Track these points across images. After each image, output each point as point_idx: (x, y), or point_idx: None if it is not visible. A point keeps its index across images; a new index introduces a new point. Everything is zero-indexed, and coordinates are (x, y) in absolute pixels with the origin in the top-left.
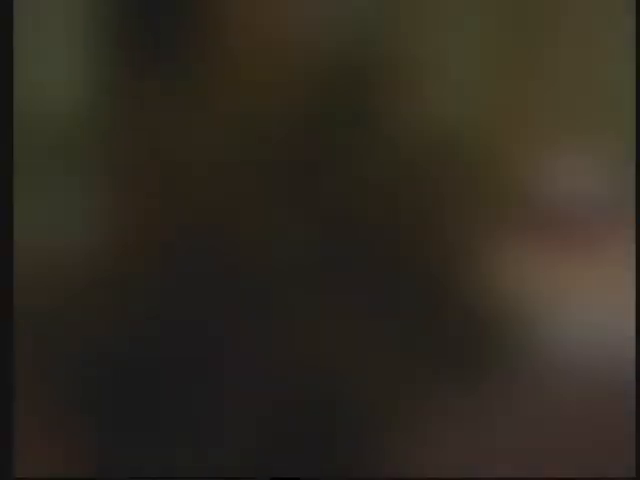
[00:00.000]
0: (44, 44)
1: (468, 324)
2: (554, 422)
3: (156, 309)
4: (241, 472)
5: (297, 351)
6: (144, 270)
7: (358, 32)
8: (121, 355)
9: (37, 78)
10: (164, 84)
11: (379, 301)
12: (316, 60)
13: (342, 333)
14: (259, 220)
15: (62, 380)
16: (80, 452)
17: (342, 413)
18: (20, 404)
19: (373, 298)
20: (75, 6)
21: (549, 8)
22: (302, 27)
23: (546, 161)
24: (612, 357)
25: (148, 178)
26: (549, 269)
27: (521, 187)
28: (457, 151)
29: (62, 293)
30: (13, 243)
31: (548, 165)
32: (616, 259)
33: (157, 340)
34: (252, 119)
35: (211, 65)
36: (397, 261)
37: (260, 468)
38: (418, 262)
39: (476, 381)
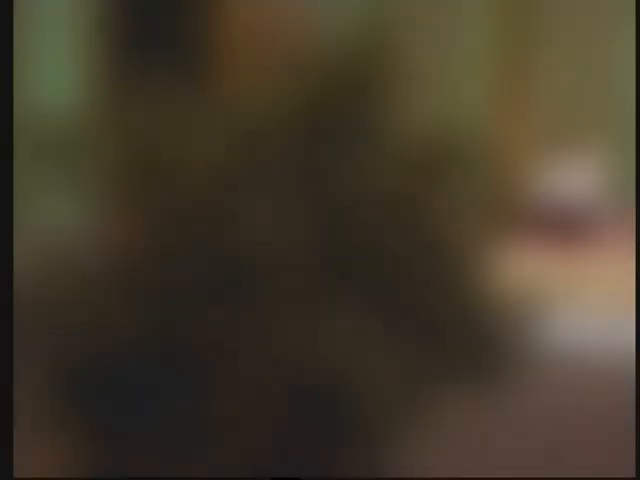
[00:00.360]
0: (43, 47)
1: (468, 326)
2: (554, 422)
3: (155, 308)
4: (241, 472)
5: (298, 352)
6: (144, 269)
7: (360, 37)
8: (121, 355)
9: (37, 80)
10: (164, 85)
11: (378, 300)
12: (317, 64)
13: (344, 334)
14: (260, 219)
15: (60, 380)
16: (79, 452)
17: (344, 413)
18: (20, 404)
19: (372, 298)
20: (75, 10)
21: (548, 11)
22: (304, 32)
23: (546, 163)
24: (612, 357)
25: (148, 177)
26: (550, 270)
27: (522, 189)
28: (457, 153)
29: (62, 294)
30: (13, 244)
31: (549, 167)
32: (616, 258)
33: (157, 340)
34: (253, 120)
35: (211, 68)
36: (397, 262)
37: (260, 468)
38: (418, 263)
39: (477, 383)
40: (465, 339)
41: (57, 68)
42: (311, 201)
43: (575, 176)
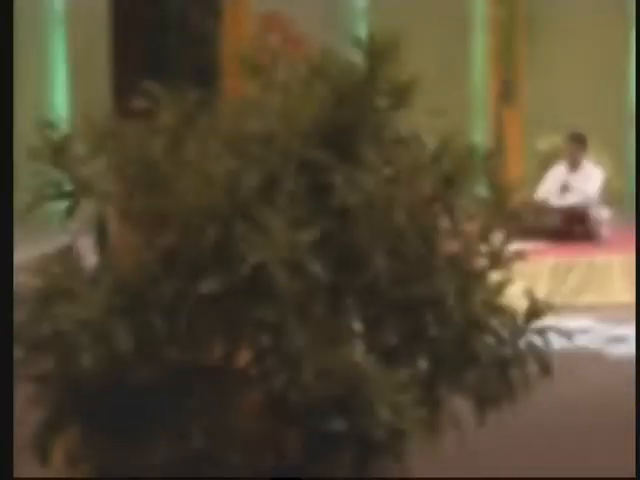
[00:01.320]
0: (47, 63)
1: (475, 335)
2: (554, 423)
3: (156, 313)
4: (241, 472)
5: (298, 355)
6: (144, 277)
7: (370, 49)
8: (122, 356)
9: (39, 93)
10: (171, 96)
11: (390, 307)
12: (329, 77)
13: (355, 344)
14: (264, 230)
15: (60, 383)
16: (80, 452)
17: (352, 422)
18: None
19: (373, 303)
20: (77, 25)
21: (551, 15)
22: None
23: (547, 165)
24: (613, 359)
25: (153, 187)
26: (551, 271)
27: (523, 191)
28: (459, 155)
29: (62, 299)
30: (12, 247)
31: (549, 169)
32: (617, 260)
33: (157, 342)
34: (263, 131)
35: (221, 80)
36: (399, 267)
37: (260, 468)
38: (419, 269)
39: (478, 385)
40: (470, 347)
41: (62, 80)
42: (324, 210)
43: (579, 179)
